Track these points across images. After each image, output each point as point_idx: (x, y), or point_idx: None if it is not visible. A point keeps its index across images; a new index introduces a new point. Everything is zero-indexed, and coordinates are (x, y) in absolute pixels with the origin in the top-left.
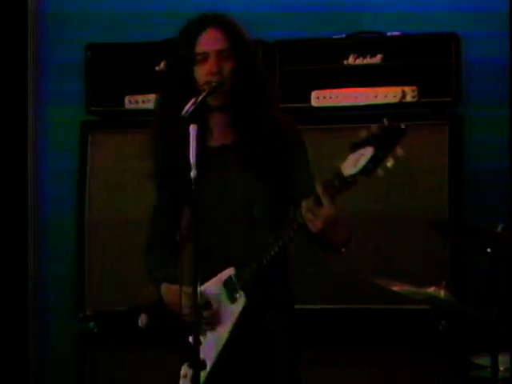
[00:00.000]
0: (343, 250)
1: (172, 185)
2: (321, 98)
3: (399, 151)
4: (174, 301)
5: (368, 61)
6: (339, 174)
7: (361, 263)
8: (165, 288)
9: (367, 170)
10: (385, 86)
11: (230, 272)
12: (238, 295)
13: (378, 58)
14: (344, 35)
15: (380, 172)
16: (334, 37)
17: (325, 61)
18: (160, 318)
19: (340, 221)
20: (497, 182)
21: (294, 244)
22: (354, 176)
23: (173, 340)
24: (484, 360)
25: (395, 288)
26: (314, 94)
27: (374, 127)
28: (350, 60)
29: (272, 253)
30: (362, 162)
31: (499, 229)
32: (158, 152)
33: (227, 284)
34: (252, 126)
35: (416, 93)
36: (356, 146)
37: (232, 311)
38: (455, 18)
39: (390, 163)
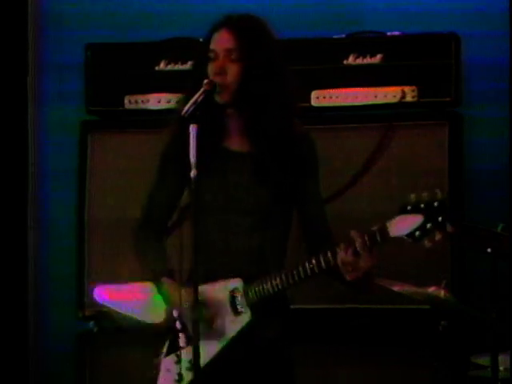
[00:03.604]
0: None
1: (172, 178)
2: (320, 98)
3: (449, 228)
4: (175, 297)
5: (368, 61)
6: (384, 231)
7: None
8: (166, 282)
9: (414, 237)
10: (385, 85)
11: (236, 283)
12: (243, 310)
13: (377, 58)
14: (344, 35)
15: (427, 243)
16: (334, 37)
17: (325, 61)
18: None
19: (372, 269)
20: (497, 182)
21: (292, 243)
22: (398, 237)
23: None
24: (484, 360)
25: (396, 288)
26: (313, 93)
27: (425, 195)
28: (350, 60)
29: (291, 282)
30: (411, 227)
31: (499, 229)
32: (168, 148)
33: (233, 296)
34: (265, 132)
35: (416, 93)
36: (405, 209)
37: (234, 324)
38: (455, 18)
39: (438, 237)
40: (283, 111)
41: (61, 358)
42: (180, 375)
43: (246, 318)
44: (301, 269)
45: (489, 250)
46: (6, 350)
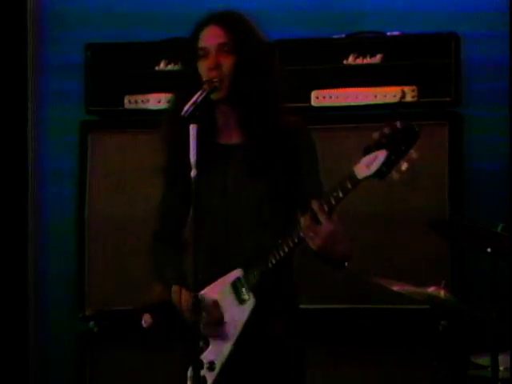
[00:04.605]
0: (346, 264)
1: (179, 183)
2: (320, 98)
3: (413, 154)
4: (185, 305)
5: (368, 61)
6: (353, 176)
7: (361, 263)
8: (176, 290)
9: (381, 173)
10: (385, 85)
11: (237, 273)
12: (246, 297)
13: (377, 58)
14: (344, 35)
15: (395, 175)
16: (334, 37)
17: (325, 61)
18: (165, 318)
19: (339, 236)
20: (497, 182)
21: None
22: (367, 178)
23: (177, 340)
24: (484, 360)
25: (395, 288)
26: (313, 93)
27: (386, 129)
28: (350, 60)
29: (282, 254)
30: (376, 164)
31: (499, 229)
32: (167, 150)
33: (235, 285)
34: (258, 126)
35: (416, 93)
36: (369, 149)
37: (241, 313)
38: (455, 18)
39: (404, 166)
40: (274, 104)
41: (61, 358)
42: (203, 378)
43: (250, 303)
44: (284, 244)
45: (489, 249)
46: (6, 350)
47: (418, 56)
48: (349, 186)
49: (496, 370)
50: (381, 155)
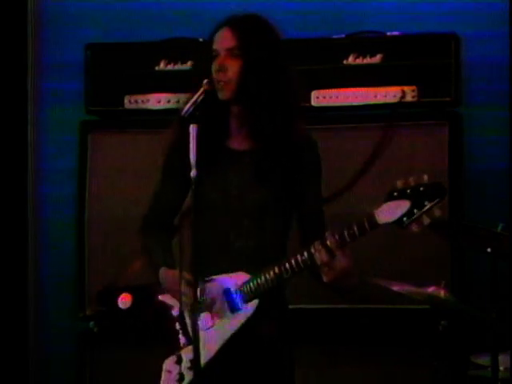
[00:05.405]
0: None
1: (178, 180)
2: (320, 98)
3: (437, 212)
4: (173, 286)
5: (368, 61)
6: (373, 220)
7: (361, 263)
8: (164, 272)
9: (401, 223)
10: (385, 85)
11: (234, 281)
12: (240, 307)
13: (377, 58)
14: (344, 35)
15: (415, 227)
16: (334, 37)
17: (325, 61)
18: (144, 301)
19: (351, 270)
20: (497, 182)
21: (292, 243)
22: (386, 225)
23: (154, 324)
24: (484, 360)
25: (395, 288)
26: (313, 93)
27: (412, 180)
28: (350, 60)
29: (285, 276)
30: (397, 213)
31: (499, 229)
32: (169, 149)
33: (229, 293)
34: (268, 128)
35: (416, 93)
36: (392, 196)
37: (231, 322)
38: (455, 18)
39: (426, 221)
40: (284, 110)
41: (61, 358)
42: (181, 375)
43: (243, 315)
44: (287, 266)
45: (489, 249)
46: (6, 351)
47: (417, 56)
48: (367, 227)
49: (496, 370)
50: (403, 205)
